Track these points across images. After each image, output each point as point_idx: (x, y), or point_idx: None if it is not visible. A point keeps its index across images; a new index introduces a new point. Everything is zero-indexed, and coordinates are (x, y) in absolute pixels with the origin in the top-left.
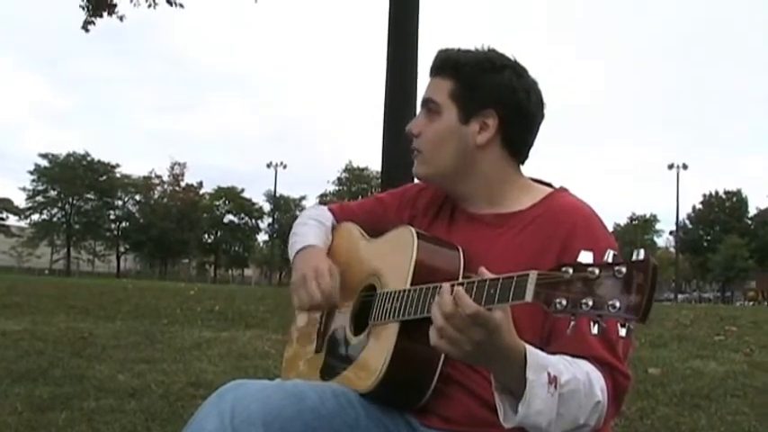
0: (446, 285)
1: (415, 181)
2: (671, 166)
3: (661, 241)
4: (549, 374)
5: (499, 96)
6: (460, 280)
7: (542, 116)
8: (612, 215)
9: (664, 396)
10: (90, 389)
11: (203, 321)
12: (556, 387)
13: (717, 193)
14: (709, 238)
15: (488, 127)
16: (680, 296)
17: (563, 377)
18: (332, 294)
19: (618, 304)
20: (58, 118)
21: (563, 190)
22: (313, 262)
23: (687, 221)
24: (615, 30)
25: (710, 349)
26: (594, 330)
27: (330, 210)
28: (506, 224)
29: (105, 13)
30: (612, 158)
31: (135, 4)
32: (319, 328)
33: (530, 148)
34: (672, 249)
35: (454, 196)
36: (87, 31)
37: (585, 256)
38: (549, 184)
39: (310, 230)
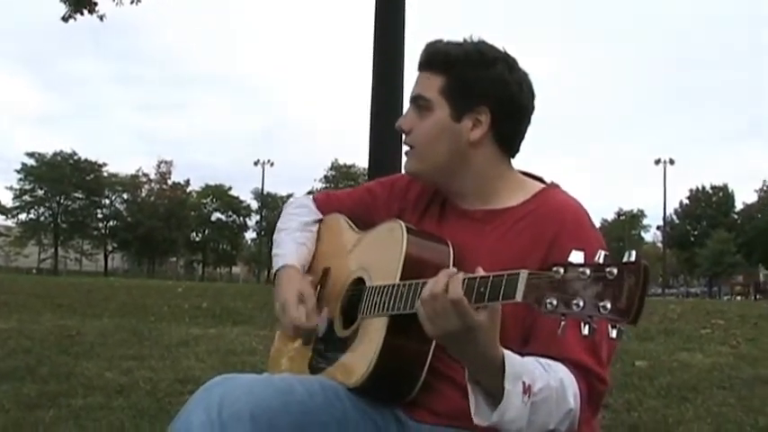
0: (452, 269)
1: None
2: (657, 162)
3: (648, 236)
4: (524, 383)
5: (492, 92)
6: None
7: (533, 108)
8: (599, 210)
9: (651, 388)
10: (77, 386)
11: (191, 318)
12: (529, 396)
13: (703, 187)
14: (696, 233)
15: (481, 123)
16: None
17: (536, 385)
18: (300, 325)
19: (609, 305)
20: (45, 117)
21: (554, 186)
22: (284, 292)
23: (674, 216)
24: (601, 24)
25: (697, 342)
26: (585, 331)
27: (316, 200)
28: (497, 220)
29: (86, 11)
30: (599, 154)
31: (117, 4)
32: None
33: (521, 141)
34: (659, 244)
35: (445, 192)
36: (66, 21)
37: (577, 256)
38: (540, 179)
39: (290, 242)
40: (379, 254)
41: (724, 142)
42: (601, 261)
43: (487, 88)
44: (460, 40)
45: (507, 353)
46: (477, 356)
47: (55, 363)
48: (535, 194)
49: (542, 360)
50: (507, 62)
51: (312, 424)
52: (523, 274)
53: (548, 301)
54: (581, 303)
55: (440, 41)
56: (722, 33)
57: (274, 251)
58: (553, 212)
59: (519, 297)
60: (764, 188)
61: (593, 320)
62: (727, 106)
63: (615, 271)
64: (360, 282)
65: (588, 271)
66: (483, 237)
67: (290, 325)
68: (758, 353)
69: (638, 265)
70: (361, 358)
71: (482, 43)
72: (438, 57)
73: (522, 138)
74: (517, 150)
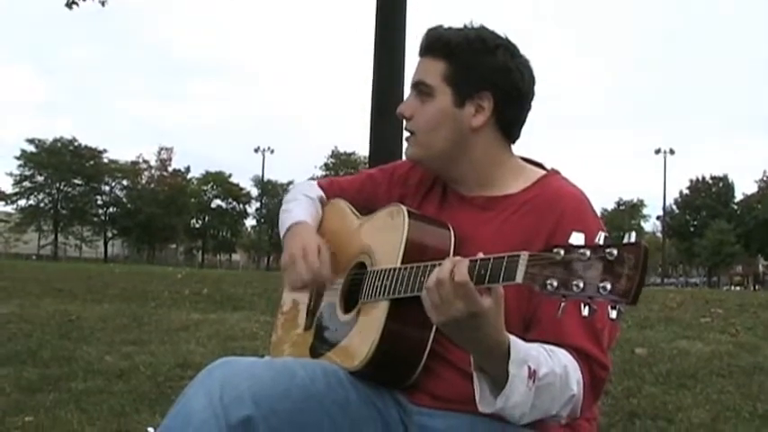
0: (456, 258)
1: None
2: (658, 151)
3: (648, 226)
4: (529, 368)
5: (494, 78)
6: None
7: (534, 94)
8: (600, 200)
9: (650, 375)
10: (78, 370)
11: (191, 304)
12: (534, 381)
13: (703, 178)
14: (695, 223)
15: (483, 109)
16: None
17: (541, 370)
18: (320, 273)
19: (608, 286)
20: (45, 103)
21: (555, 173)
22: (301, 240)
23: (674, 206)
24: (602, 14)
25: (696, 330)
26: (585, 312)
27: (320, 185)
28: (497, 207)
29: None
30: (600, 143)
31: None
32: (309, 306)
33: (522, 128)
34: (659, 234)
35: (446, 178)
36: (71, 8)
37: (577, 238)
38: (540, 165)
39: (300, 206)
40: (381, 238)
41: (724, 133)
42: (601, 242)
43: (490, 74)
44: (461, 26)
45: (513, 338)
46: (483, 343)
47: (55, 347)
48: (536, 181)
49: (546, 346)
50: (509, 48)
51: (313, 408)
52: (524, 255)
53: (548, 282)
54: (581, 284)
55: (441, 27)
56: (723, 25)
57: (283, 217)
58: (554, 199)
59: (519, 279)
60: (764, 179)
61: (593, 301)
62: (727, 96)
63: (615, 252)
64: (361, 266)
65: (588, 252)
66: (484, 223)
67: (306, 272)
68: (757, 341)
69: (638, 247)
70: (362, 342)
71: (483, 29)
72: (440, 43)
73: (523, 124)
74: (518, 137)
